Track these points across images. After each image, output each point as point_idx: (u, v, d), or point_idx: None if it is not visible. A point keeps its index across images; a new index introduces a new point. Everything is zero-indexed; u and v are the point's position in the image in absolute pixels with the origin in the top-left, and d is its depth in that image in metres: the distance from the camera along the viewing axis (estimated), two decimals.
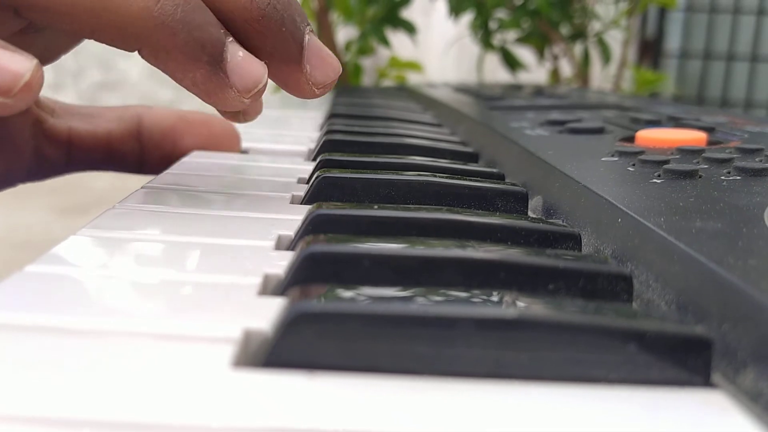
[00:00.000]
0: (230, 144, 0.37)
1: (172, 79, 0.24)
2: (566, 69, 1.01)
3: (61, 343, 0.14)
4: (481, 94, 0.59)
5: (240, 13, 0.24)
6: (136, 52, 0.24)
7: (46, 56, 0.27)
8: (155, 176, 0.30)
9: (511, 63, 0.99)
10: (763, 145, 0.30)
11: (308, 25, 0.25)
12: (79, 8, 0.22)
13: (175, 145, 0.36)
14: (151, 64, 0.23)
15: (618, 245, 0.21)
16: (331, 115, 0.48)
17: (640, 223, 0.20)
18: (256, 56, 0.24)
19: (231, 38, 0.23)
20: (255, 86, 0.24)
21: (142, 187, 0.28)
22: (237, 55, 0.23)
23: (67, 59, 0.36)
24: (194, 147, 0.36)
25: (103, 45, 0.24)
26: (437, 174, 0.27)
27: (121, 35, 0.23)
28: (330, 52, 0.26)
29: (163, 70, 0.23)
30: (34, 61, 0.21)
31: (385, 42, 0.92)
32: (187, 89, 0.24)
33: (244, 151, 0.38)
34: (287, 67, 0.25)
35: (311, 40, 0.25)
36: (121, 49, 0.23)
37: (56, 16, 0.23)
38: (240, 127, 0.38)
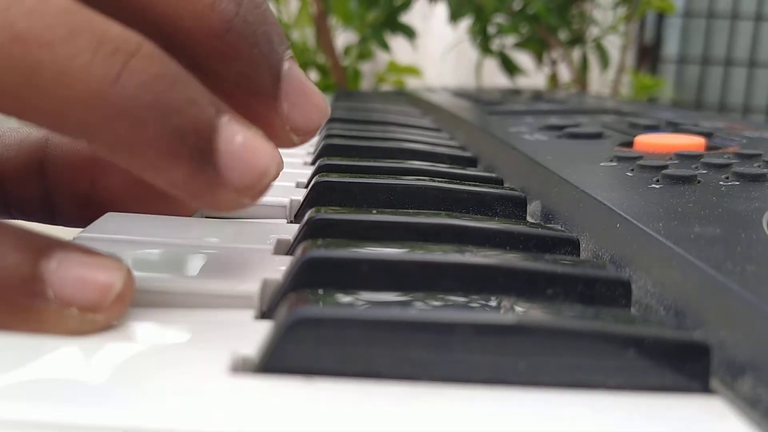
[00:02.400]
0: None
1: (139, 176, 0.17)
2: (565, 74, 1.01)
3: (59, 347, 0.14)
4: (479, 98, 0.59)
5: (196, 25, 0.17)
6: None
7: None
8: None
9: (510, 68, 1.00)
10: (761, 151, 0.30)
11: (288, 49, 0.19)
12: (5, 83, 0.15)
13: (93, 183, 0.26)
14: (106, 158, 0.17)
15: (616, 250, 0.21)
16: (330, 120, 0.48)
17: (639, 228, 0.20)
18: (218, 87, 0.18)
19: (226, 115, 0.17)
20: (260, 181, 0.17)
21: None
22: (234, 141, 0.17)
23: None
24: (120, 190, 0.25)
25: None
26: (436, 178, 0.27)
27: (61, 122, 0.16)
28: (316, 90, 0.19)
29: (123, 166, 0.17)
30: (125, 268, 0.17)
31: (385, 46, 0.92)
32: (164, 189, 0.17)
33: None
34: (258, 102, 0.19)
35: (292, 69, 0.19)
36: (63, 135, 0.17)
37: None
38: None
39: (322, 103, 0.20)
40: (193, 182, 0.17)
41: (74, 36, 0.15)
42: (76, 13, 0.15)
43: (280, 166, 0.18)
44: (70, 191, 0.26)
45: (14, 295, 0.15)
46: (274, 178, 0.17)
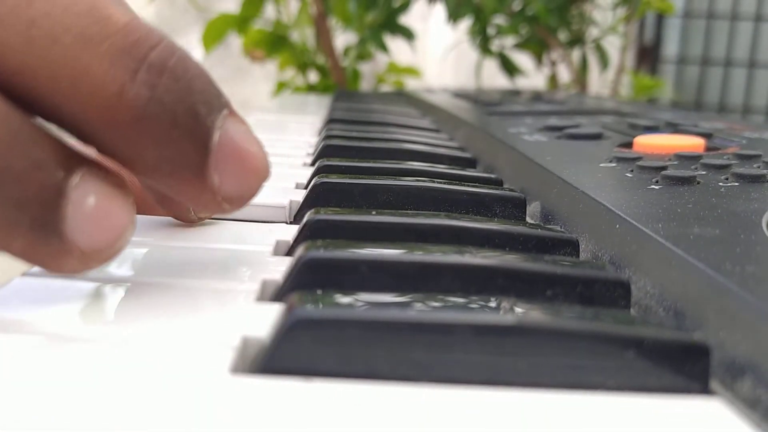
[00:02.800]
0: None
1: None
2: (564, 75, 1.01)
3: (58, 349, 0.14)
4: (479, 99, 0.59)
5: (99, 114, 0.15)
6: None
7: None
8: None
9: (510, 68, 1.00)
10: (761, 151, 0.30)
11: (220, 112, 0.16)
12: None
13: None
14: None
15: (616, 251, 0.21)
16: (330, 120, 0.48)
17: (638, 229, 0.20)
18: (134, 168, 0.16)
19: (78, 174, 0.15)
20: (110, 245, 0.15)
21: None
22: (85, 203, 0.15)
23: None
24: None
25: None
26: (435, 179, 0.27)
27: None
28: (254, 149, 0.17)
29: None
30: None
31: (383, 48, 0.92)
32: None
33: None
34: (181, 180, 0.16)
35: (225, 133, 0.16)
36: None
37: None
38: None
39: (261, 163, 0.17)
40: (33, 252, 0.15)
41: None
42: None
43: (133, 227, 0.16)
44: None
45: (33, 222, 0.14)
46: (126, 244, 0.16)
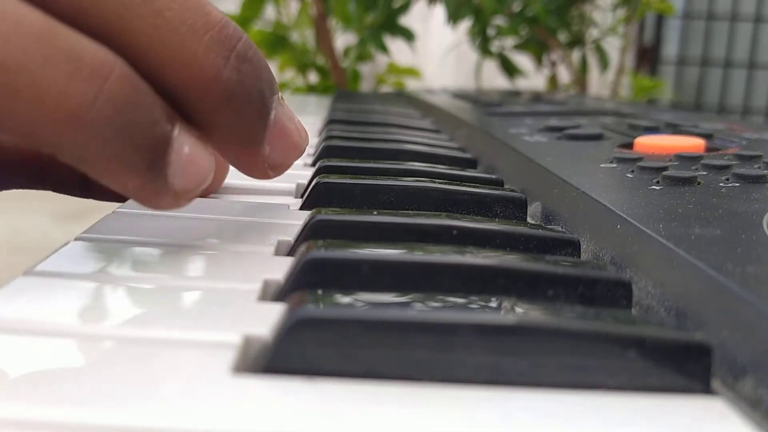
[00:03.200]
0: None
1: (97, 179, 0.18)
2: (564, 75, 1.01)
3: (60, 349, 0.14)
4: (479, 100, 0.59)
5: (198, 91, 0.18)
6: None
7: None
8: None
9: (509, 69, 1.00)
10: (761, 152, 0.30)
11: (277, 94, 0.20)
12: None
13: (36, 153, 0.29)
14: (70, 163, 0.18)
15: (617, 252, 0.21)
16: (330, 121, 0.48)
17: (639, 229, 0.20)
18: (209, 135, 0.20)
19: (177, 126, 0.18)
20: (197, 187, 0.19)
21: None
22: (182, 153, 0.18)
23: None
24: None
25: None
26: (436, 180, 0.27)
27: (31, 139, 0.17)
28: (295, 128, 0.21)
29: (82, 171, 0.18)
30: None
31: (383, 49, 0.92)
32: (114, 189, 0.18)
33: None
34: (245, 146, 0.20)
35: (278, 115, 0.20)
36: (32, 147, 0.18)
37: None
38: None
39: (301, 141, 0.21)
40: (144, 190, 0.18)
41: (50, 61, 0.16)
42: (51, 37, 0.16)
43: (213, 172, 0.19)
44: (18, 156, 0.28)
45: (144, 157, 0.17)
46: (209, 183, 0.19)
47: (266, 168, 0.21)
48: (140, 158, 0.17)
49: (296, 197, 0.35)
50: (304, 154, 0.38)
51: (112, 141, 0.17)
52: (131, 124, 0.17)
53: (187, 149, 0.18)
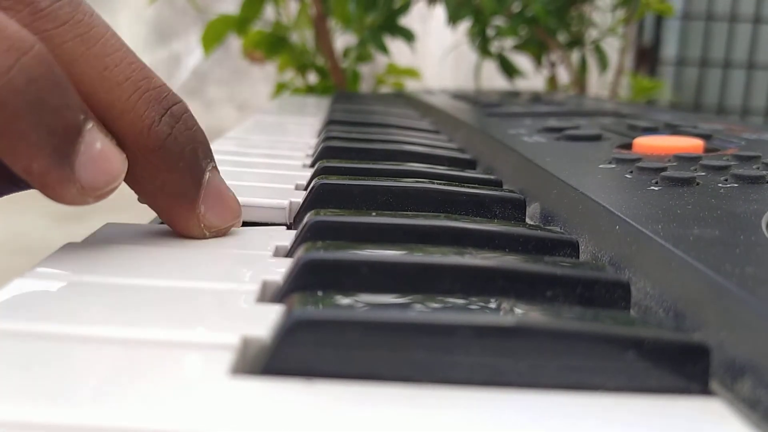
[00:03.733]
0: None
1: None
2: (563, 76, 1.01)
3: (58, 350, 0.14)
4: (478, 100, 0.59)
5: (133, 138, 0.20)
6: None
7: None
8: None
9: (509, 70, 1.00)
10: (760, 153, 0.30)
11: (211, 161, 0.22)
12: None
13: None
14: None
15: (616, 252, 0.21)
16: (329, 122, 0.48)
17: (638, 230, 0.20)
18: (144, 187, 0.21)
19: (91, 123, 0.19)
20: (106, 186, 0.20)
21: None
22: (94, 146, 0.19)
23: None
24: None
25: None
26: (435, 181, 0.27)
27: None
28: (232, 195, 0.23)
29: None
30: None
31: (383, 49, 0.92)
32: (18, 174, 0.19)
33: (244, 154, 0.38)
34: (179, 203, 0.22)
35: (212, 178, 0.22)
36: None
37: None
38: (236, 133, 0.38)
39: (236, 207, 0.23)
40: (48, 175, 0.19)
41: None
42: None
43: (123, 175, 0.20)
44: None
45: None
46: (117, 187, 0.20)
47: (202, 228, 0.22)
48: (47, 138, 0.18)
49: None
50: (303, 156, 0.39)
51: (21, 114, 0.18)
52: (42, 102, 0.18)
53: (99, 145, 0.19)
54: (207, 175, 0.22)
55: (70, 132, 0.19)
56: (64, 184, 0.19)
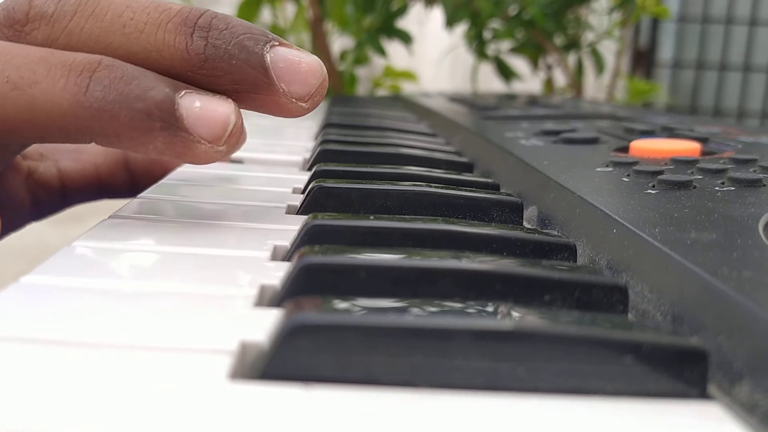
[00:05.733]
0: None
1: (136, 153, 0.22)
2: (560, 79, 1.01)
3: (56, 356, 0.14)
4: (475, 103, 0.59)
5: (181, 65, 0.22)
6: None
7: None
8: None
9: (506, 73, 1.00)
10: (756, 156, 0.30)
11: (267, 41, 0.22)
12: (18, 123, 0.21)
13: (163, 167, 0.36)
14: (110, 147, 0.22)
15: (613, 256, 0.21)
16: (326, 125, 0.48)
17: (635, 233, 0.20)
18: (225, 93, 0.22)
19: (183, 90, 0.21)
20: (224, 131, 0.22)
21: (136, 197, 0.28)
22: (193, 106, 0.21)
23: None
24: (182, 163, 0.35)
25: None
26: (432, 184, 0.27)
27: (67, 134, 0.21)
28: (304, 57, 0.23)
29: (123, 149, 0.22)
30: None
31: (381, 52, 0.92)
32: (159, 157, 0.22)
33: (239, 161, 0.38)
34: (260, 93, 0.23)
35: (275, 55, 0.22)
36: (78, 143, 0.22)
37: (3, 136, 0.22)
38: None
39: (313, 65, 0.23)
40: (173, 145, 0.21)
41: (51, 71, 0.21)
42: (48, 57, 0.21)
43: (239, 116, 0.22)
44: (149, 175, 0.36)
45: (154, 121, 0.21)
46: (237, 126, 0.22)
47: (294, 103, 0.23)
48: (149, 120, 0.21)
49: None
50: (300, 159, 0.39)
51: (118, 113, 0.21)
52: (125, 96, 0.21)
53: (198, 103, 0.21)
54: (268, 56, 0.22)
55: (165, 105, 0.21)
56: (192, 147, 0.21)
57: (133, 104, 0.21)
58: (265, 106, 0.23)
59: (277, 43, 0.23)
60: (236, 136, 0.22)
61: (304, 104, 0.23)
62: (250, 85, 0.22)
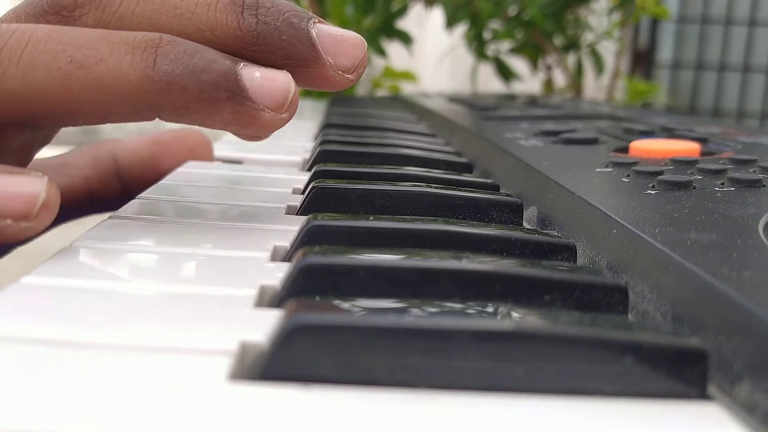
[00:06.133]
0: (206, 153, 0.38)
1: (202, 126, 0.23)
2: (560, 79, 1.01)
3: (56, 356, 0.14)
4: (475, 104, 0.59)
5: (235, 42, 0.23)
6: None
7: (42, 143, 0.26)
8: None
9: (505, 73, 1.00)
10: (756, 156, 0.30)
11: (309, 18, 0.24)
12: (83, 103, 0.21)
13: (157, 171, 0.36)
14: (175, 122, 0.23)
15: (613, 256, 0.21)
16: (326, 125, 0.48)
17: (635, 234, 0.20)
18: (276, 67, 0.23)
19: (242, 63, 0.22)
20: (286, 98, 0.22)
21: (136, 198, 0.28)
22: (254, 76, 0.22)
23: None
24: (175, 166, 0.35)
25: None
26: (432, 184, 0.27)
27: (134, 111, 0.22)
28: (345, 32, 0.24)
29: (189, 123, 0.23)
30: (45, 179, 0.20)
31: (381, 52, 0.92)
32: (223, 130, 0.23)
33: (239, 162, 0.38)
34: (309, 69, 0.24)
35: (320, 31, 0.24)
36: (142, 121, 0.23)
37: (65, 118, 0.22)
38: (233, 137, 0.38)
39: (355, 39, 0.24)
40: (240, 116, 0.22)
41: (114, 49, 0.21)
42: (108, 36, 0.21)
43: (295, 84, 0.23)
44: (142, 182, 0.35)
45: (221, 93, 0.21)
46: (296, 95, 0.23)
47: (341, 75, 0.24)
48: (216, 91, 0.21)
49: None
50: (299, 159, 0.39)
51: (187, 85, 0.21)
52: (192, 68, 0.21)
53: (258, 74, 0.22)
54: (313, 31, 0.23)
55: (230, 76, 0.22)
56: (257, 116, 0.22)
57: (200, 76, 0.21)
58: (313, 80, 0.24)
59: (317, 20, 0.24)
60: (296, 104, 0.23)
61: (350, 75, 0.24)
62: (300, 60, 0.23)
